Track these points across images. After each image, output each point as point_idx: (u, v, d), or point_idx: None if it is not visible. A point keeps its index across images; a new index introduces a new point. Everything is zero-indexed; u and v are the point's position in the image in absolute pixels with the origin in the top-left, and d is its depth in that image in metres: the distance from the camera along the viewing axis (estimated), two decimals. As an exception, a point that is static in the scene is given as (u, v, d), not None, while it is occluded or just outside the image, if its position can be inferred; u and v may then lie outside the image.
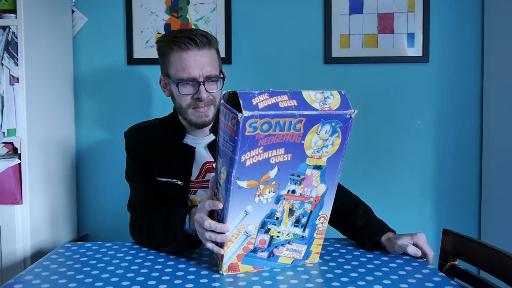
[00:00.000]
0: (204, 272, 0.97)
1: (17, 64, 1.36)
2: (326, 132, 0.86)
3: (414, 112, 1.81)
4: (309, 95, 0.85)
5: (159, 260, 1.06)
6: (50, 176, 1.56)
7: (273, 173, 0.87)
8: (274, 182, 0.88)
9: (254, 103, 0.79)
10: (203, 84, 1.16)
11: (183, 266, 1.01)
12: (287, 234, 0.96)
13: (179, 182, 1.22)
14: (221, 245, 0.93)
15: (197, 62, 1.15)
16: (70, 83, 1.77)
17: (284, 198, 0.91)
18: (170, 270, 0.99)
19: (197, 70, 1.15)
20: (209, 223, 0.92)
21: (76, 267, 1.02)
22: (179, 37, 1.16)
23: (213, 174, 0.96)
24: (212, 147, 1.25)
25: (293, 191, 0.91)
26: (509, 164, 1.60)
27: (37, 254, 1.42)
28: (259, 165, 0.84)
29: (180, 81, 1.16)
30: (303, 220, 0.96)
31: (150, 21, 1.79)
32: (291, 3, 1.79)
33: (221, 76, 1.21)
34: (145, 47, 1.79)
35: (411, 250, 1.04)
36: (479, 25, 1.79)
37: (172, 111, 1.31)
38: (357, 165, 1.80)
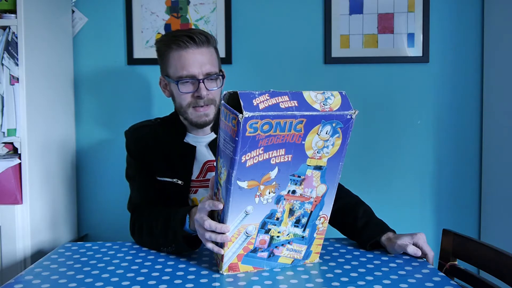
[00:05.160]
0: (204, 272, 0.97)
1: (17, 64, 1.36)
2: (326, 133, 0.86)
3: (414, 112, 1.81)
4: (310, 96, 0.85)
5: (159, 260, 1.06)
6: (50, 176, 1.56)
7: (273, 173, 0.87)
8: (274, 183, 0.88)
9: (255, 104, 0.79)
10: (203, 82, 1.16)
11: (183, 266, 1.01)
12: (287, 234, 0.96)
13: (180, 182, 1.23)
14: (221, 245, 0.93)
15: (196, 60, 1.16)
16: (70, 83, 1.77)
17: (284, 199, 0.91)
18: (170, 270, 0.99)
19: (196, 68, 1.16)
20: (209, 223, 0.92)
21: (76, 267, 1.02)
22: (178, 36, 1.16)
23: (214, 173, 0.96)
24: (214, 146, 1.25)
25: (294, 192, 0.91)
26: (509, 164, 1.61)
27: (37, 254, 1.42)
28: (259, 165, 0.84)
29: (179, 79, 1.17)
30: (303, 220, 0.96)
31: (150, 21, 1.79)
32: (291, 3, 1.79)
33: (221, 74, 1.21)
34: (145, 47, 1.79)
35: (411, 250, 1.04)
36: (479, 25, 1.79)
37: (173, 111, 1.31)
38: (357, 165, 1.80)
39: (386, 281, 0.91)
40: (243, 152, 0.81)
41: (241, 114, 0.77)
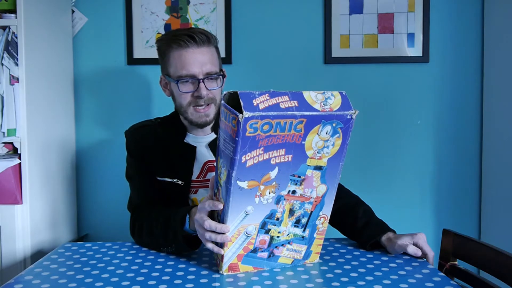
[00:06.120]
0: (204, 272, 0.97)
1: (17, 64, 1.36)
2: (327, 133, 0.86)
3: (414, 112, 1.81)
4: (310, 96, 0.85)
5: (159, 260, 1.06)
6: (50, 176, 1.56)
7: (273, 173, 0.87)
8: (274, 183, 0.88)
9: (255, 104, 0.79)
10: (203, 82, 1.16)
11: (183, 266, 1.01)
12: (287, 234, 0.96)
13: (180, 182, 1.23)
14: (221, 245, 0.93)
15: (197, 59, 1.16)
16: (70, 83, 1.77)
17: (284, 199, 0.91)
18: (170, 270, 0.99)
19: (196, 67, 1.16)
20: (209, 223, 0.92)
21: (76, 267, 1.02)
22: (178, 35, 1.16)
23: (214, 173, 0.96)
24: (214, 146, 1.25)
25: (294, 192, 0.91)
26: (509, 164, 1.61)
27: (37, 254, 1.42)
28: (259, 165, 0.84)
29: (180, 78, 1.17)
30: (303, 220, 0.96)
31: (150, 21, 1.79)
32: (291, 3, 1.79)
33: (221, 73, 1.21)
34: (145, 47, 1.79)
35: (411, 250, 1.04)
36: (479, 25, 1.79)
37: (173, 110, 1.31)
38: (357, 165, 1.80)
39: (386, 281, 0.91)
40: (243, 152, 0.81)
41: (241, 114, 0.77)
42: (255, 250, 0.95)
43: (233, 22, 1.79)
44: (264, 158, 0.84)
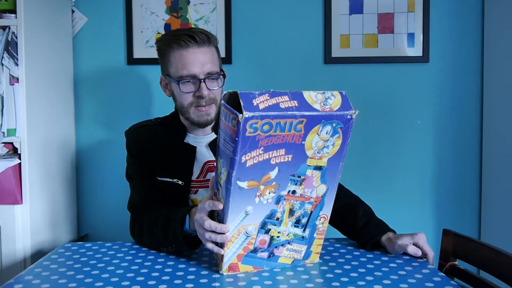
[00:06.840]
0: (204, 272, 0.97)
1: (17, 64, 1.36)
2: (327, 133, 0.86)
3: (414, 112, 1.81)
4: (310, 96, 0.85)
5: (159, 260, 1.06)
6: (50, 176, 1.56)
7: (273, 173, 0.87)
8: (274, 183, 0.88)
9: (255, 104, 0.79)
10: (204, 81, 1.16)
11: (183, 266, 1.01)
12: (287, 235, 0.96)
13: (180, 182, 1.23)
14: (221, 245, 0.93)
15: (197, 59, 1.16)
16: (70, 83, 1.77)
17: (284, 199, 0.91)
18: (170, 270, 0.99)
19: (197, 67, 1.16)
20: (209, 223, 0.92)
21: (76, 267, 1.02)
22: (178, 35, 1.16)
23: (214, 173, 0.96)
24: (214, 146, 1.25)
25: (294, 192, 0.91)
26: (509, 164, 1.61)
27: (37, 254, 1.42)
28: (259, 165, 0.84)
29: (180, 78, 1.17)
30: (303, 220, 0.96)
31: (150, 21, 1.79)
32: (291, 3, 1.79)
33: (222, 73, 1.21)
34: (145, 47, 1.79)
35: (411, 250, 1.04)
36: (479, 25, 1.79)
37: (173, 110, 1.31)
38: (357, 165, 1.80)
39: (386, 281, 0.91)
40: (243, 152, 0.81)
41: (241, 114, 0.77)
42: (255, 250, 0.95)
43: (233, 22, 1.79)
44: (264, 158, 0.84)
